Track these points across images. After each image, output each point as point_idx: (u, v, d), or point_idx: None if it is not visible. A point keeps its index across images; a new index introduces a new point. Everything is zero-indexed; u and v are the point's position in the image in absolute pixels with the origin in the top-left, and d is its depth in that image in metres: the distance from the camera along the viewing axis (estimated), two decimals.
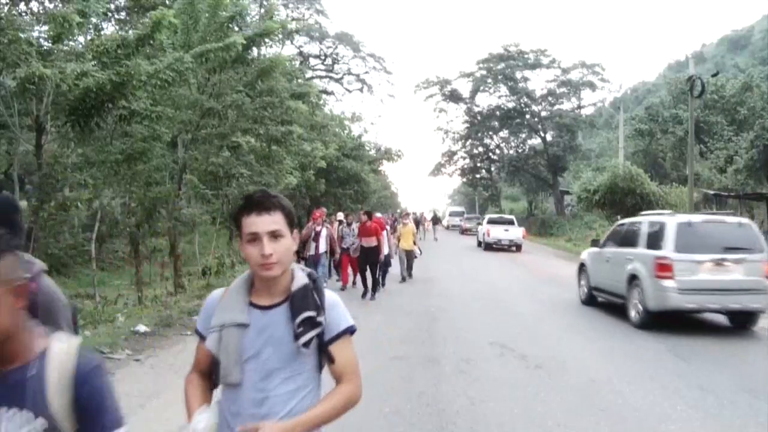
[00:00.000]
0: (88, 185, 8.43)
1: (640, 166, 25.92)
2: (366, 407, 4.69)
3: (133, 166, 9.06)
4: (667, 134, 31.43)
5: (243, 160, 12.72)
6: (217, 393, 1.83)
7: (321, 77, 40.44)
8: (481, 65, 44.59)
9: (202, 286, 11.59)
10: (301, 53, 38.98)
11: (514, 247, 25.89)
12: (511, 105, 45.16)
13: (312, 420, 1.70)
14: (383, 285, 12.61)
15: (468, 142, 48.51)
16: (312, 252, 11.42)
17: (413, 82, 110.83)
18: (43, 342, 1.36)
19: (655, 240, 8.88)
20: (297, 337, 1.70)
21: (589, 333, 8.54)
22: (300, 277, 1.79)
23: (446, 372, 6.19)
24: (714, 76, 28.59)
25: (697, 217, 9.28)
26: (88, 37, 8.92)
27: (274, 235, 1.69)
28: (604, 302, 10.42)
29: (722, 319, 9.24)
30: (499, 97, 45.63)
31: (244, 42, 9.69)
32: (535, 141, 46.80)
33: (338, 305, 1.82)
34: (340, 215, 14.17)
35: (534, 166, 45.28)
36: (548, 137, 44.40)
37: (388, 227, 14.13)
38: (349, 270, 12.99)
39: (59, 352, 1.34)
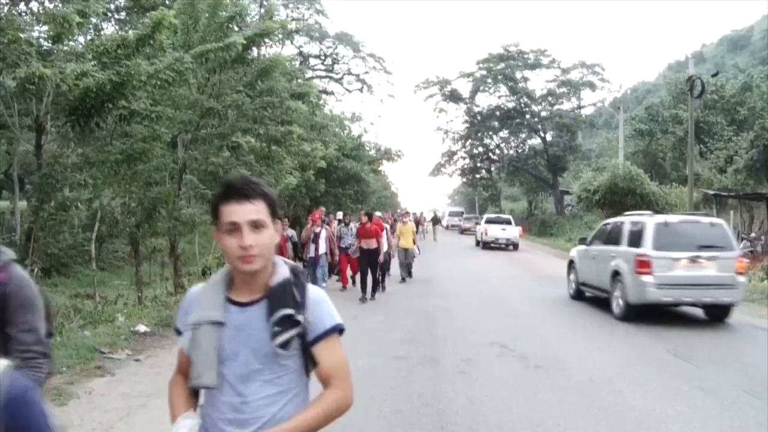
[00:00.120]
0: (88, 185, 8.41)
1: (640, 166, 25.91)
2: (366, 407, 4.71)
3: (133, 166, 9.05)
4: (667, 134, 31.39)
5: (243, 160, 12.69)
6: (202, 397, 1.73)
7: (321, 77, 40.40)
8: (481, 65, 44.53)
9: None
10: (301, 53, 38.95)
11: (511, 245, 26.44)
12: (511, 105, 45.12)
13: (297, 428, 1.55)
14: (383, 288, 12.58)
15: (468, 142, 48.45)
16: (312, 254, 11.44)
17: (413, 82, 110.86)
18: None
19: (635, 238, 9.42)
20: (273, 336, 1.55)
21: (589, 333, 8.56)
22: (281, 271, 1.64)
23: (446, 372, 6.19)
24: (714, 76, 28.60)
25: (673, 218, 9.85)
26: (88, 37, 8.92)
27: (256, 225, 1.55)
28: (591, 297, 10.93)
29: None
30: (499, 97, 45.65)
31: (244, 42, 9.68)
32: (535, 141, 46.76)
33: (323, 302, 1.66)
34: (340, 214, 14.18)
35: (534, 166, 45.22)
36: (548, 137, 44.37)
37: (387, 227, 14.09)
38: (349, 270, 12.99)
39: None
